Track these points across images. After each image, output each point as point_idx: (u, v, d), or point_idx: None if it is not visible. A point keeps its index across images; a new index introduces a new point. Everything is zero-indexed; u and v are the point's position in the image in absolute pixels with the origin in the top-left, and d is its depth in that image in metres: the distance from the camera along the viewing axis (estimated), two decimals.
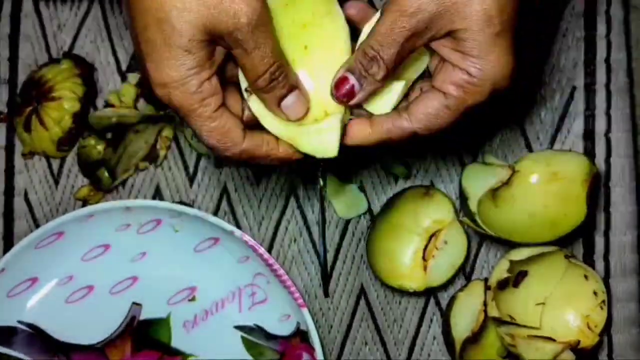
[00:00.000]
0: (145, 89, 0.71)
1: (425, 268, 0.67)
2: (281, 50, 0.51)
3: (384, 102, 0.53)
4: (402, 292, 0.68)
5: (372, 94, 0.53)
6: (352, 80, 0.52)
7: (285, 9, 0.53)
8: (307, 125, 0.53)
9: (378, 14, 0.52)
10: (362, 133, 0.53)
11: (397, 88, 0.53)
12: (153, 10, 0.47)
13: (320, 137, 0.53)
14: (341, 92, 0.52)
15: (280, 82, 0.51)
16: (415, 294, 0.68)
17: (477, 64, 0.50)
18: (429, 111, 0.52)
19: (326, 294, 0.68)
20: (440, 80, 0.52)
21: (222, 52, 0.51)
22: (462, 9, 0.49)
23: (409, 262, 0.67)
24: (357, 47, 0.53)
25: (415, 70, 0.55)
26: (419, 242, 0.67)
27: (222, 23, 0.47)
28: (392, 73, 0.51)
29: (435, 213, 0.67)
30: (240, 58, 0.50)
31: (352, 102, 0.52)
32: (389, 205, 0.69)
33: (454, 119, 0.52)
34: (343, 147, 0.54)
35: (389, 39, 0.50)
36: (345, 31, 0.54)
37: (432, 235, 0.67)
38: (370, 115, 0.54)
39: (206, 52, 0.49)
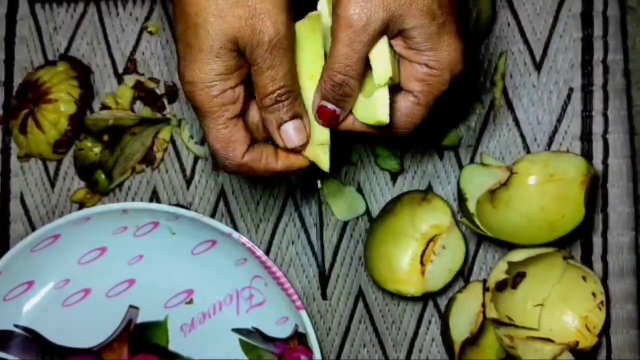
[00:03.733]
0: (142, 91, 0.71)
1: (423, 273, 0.67)
2: (296, 78, 0.54)
3: (380, 113, 0.54)
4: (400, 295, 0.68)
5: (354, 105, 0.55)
6: (331, 107, 0.54)
7: (314, 35, 0.55)
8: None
9: (384, 40, 0.53)
10: (348, 121, 0.56)
11: (382, 96, 0.54)
12: (192, 15, 0.51)
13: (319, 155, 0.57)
14: (325, 120, 0.55)
15: (284, 106, 0.54)
16: (413, 298, 0.68)
17: (432, 56, 0.53)
18: (403, 112, 0.55)
19: (324, 297, 0.68)
20: (404, 78, 0.54)
21: (247, 68, 0.54)
22: (407, 10, 0.51)
23: (406, 267, 0.67)
24: (323, 71, 0.54)
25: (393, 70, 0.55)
26: (416, 247, 0.67)
27: (248, 37, 0.51)
28: (360, 85, 0.54)
29: (433, 218, 0.67)
30: (254, 74, 0.53)
31: (339, 122, 0.55)
32: (387, 209, 0.68)
33: (426, 113, 0.55)
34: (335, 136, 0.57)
35: (352, 60, 0.52)
36: None
37: (431, 240, 0.67)
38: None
39: (235, 62, 0.52)
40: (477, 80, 0.69)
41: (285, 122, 0.54)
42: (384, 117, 0.54)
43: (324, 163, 0.56)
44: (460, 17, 0.54)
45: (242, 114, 0.55)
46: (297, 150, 0.56)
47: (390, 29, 0.52)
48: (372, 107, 0.54)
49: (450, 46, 0.53)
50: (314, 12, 0.54)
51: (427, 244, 0.67)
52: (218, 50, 0.51)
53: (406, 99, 0.54)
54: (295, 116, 0.55)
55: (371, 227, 0.69)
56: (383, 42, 0.53)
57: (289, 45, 0.52)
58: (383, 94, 0.54)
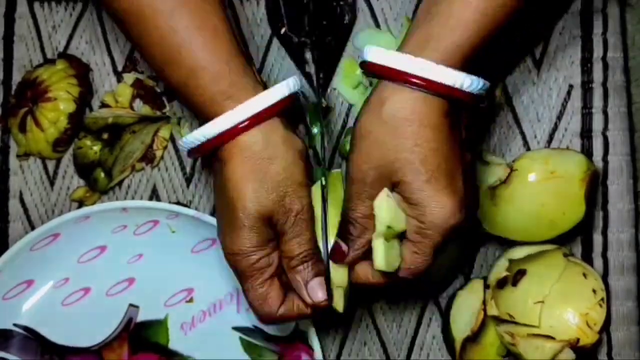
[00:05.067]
0: (141, 89, 0.71)
1: None
2: (316, 242, 0.60)
3: (377, 262, 0.58)
4: (401, 292, 0.68)
5: (362, 251, 0.59)
6: (343, 245, 0.59)
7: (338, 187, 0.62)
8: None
9: (384, 191, 0.57)
10: (366, 276, 0.60)
11: (377, 245, 0.58)
12: (232, 198, 0.58)
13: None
14: (335, 256, 0.60)
15: (309, 266, 0.60)
16: (414, 293, 0.68)
17: (420, 211, 0.56)
18: (406, 261, 0.58)
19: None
20: (407, 229, 0.58)
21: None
22: (392, 165, 0.56)
23: None
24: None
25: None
26: None
27: (280, 214, 0.58)
28: (367, 228, 0.58)
29: None
30: (283, 242, 0.60)
31: (346, 260, 0.60)
32: None
33: (428, 260, 0.58)
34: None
35: (352, 204, 0.58)
36: None
37: None
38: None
39: (268, 234, 0.59)
40: None
41: (311, 280, 0.60)
42: (381, 265, 0.58)
43: (339, 305, 0.61)
44: (452, 171, 0.56)
45: (277, 275, 0.60)
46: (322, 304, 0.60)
47: (384, 183, 0.57)
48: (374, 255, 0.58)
49: (438, 203, 0.55)
50: (334, 170, 0.63)
51: None
52: (252, 227, 0.58)
53: (407, 248, 0.58)
54: (318, 274, 0.60)
55: None
56: (383, 193, 0.57)
57: (311, 214, 0.60)
58: (377, 244, 0.58)
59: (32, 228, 0.70)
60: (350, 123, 0.70)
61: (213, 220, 0.66)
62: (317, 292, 0.60)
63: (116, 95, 0.70)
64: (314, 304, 0.60)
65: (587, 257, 0.69)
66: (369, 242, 0.58)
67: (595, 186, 0.67)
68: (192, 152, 0.61)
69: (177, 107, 0.71)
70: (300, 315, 0.61)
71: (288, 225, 0.59)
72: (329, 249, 0.60)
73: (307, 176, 0.60)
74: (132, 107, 0.70)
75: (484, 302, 0.67)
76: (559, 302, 0.65)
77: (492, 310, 0.66)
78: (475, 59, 0.57)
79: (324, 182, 0.60)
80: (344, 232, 0.59)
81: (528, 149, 0.69)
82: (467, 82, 0.56)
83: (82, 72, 0.70)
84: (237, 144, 0.58)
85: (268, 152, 0.58)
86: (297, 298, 0.61)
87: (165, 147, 0.70)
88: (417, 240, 0.57)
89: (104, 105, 0.70)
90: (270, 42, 0.70)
